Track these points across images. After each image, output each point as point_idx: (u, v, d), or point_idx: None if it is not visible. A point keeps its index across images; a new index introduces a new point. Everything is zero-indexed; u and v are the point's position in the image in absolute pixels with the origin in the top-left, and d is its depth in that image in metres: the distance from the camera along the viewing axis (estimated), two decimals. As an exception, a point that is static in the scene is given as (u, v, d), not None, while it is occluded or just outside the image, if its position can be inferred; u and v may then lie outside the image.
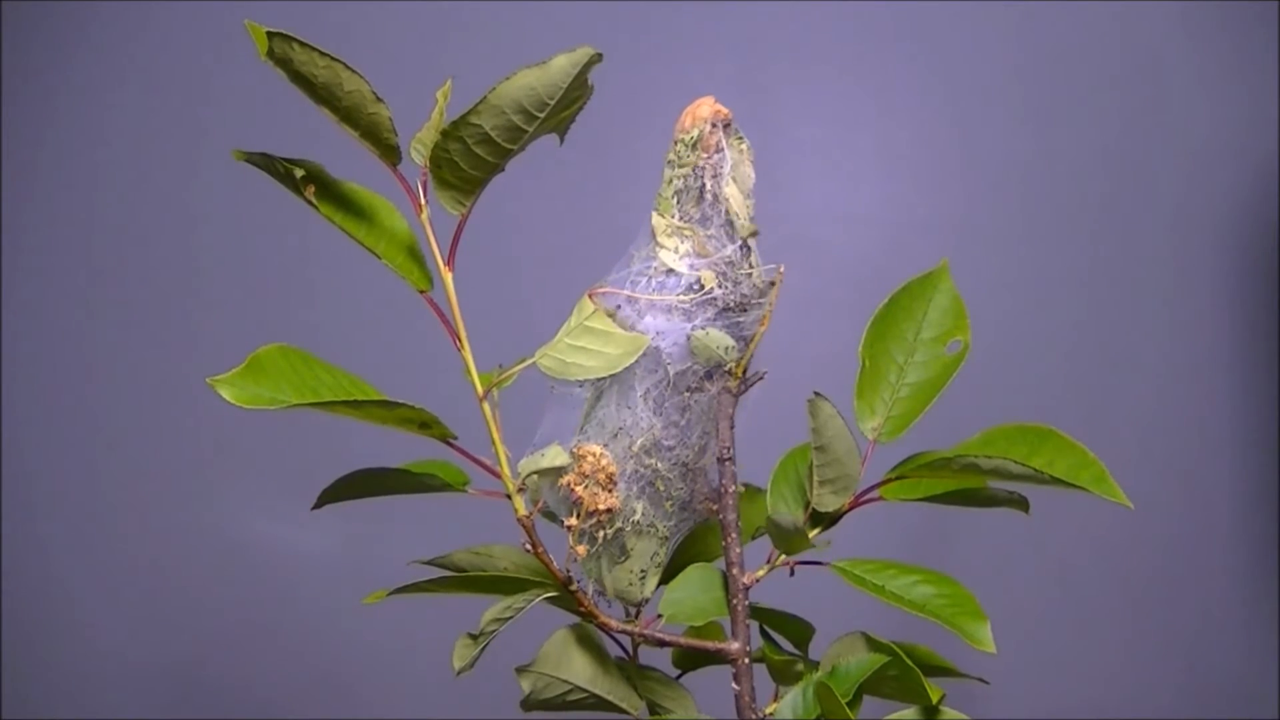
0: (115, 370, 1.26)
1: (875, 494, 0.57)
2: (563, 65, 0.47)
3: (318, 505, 0.61)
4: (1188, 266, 1.23)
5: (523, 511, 0.53)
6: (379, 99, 0.48)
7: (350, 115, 0.48)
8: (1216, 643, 1.24)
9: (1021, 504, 0.60)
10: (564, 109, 0.49)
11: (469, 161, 0.49)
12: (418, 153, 0.50)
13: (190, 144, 1.25)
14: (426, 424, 0.51)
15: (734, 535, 0.57)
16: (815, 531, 0.58)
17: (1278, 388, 1.22)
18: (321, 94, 0.48)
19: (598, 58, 0.47)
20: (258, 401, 0.46)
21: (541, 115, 0.48)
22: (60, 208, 1.27)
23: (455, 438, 0.53)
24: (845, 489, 0.56)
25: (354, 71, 0.47)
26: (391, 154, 0.50)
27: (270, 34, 0.45)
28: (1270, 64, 1.22)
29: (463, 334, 0.52)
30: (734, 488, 0.56)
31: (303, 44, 0.46)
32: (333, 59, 0.46)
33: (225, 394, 0.46)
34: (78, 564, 1.25)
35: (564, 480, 0.53)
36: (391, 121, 0.49)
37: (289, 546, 1.23)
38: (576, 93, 0.48)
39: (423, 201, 0.51)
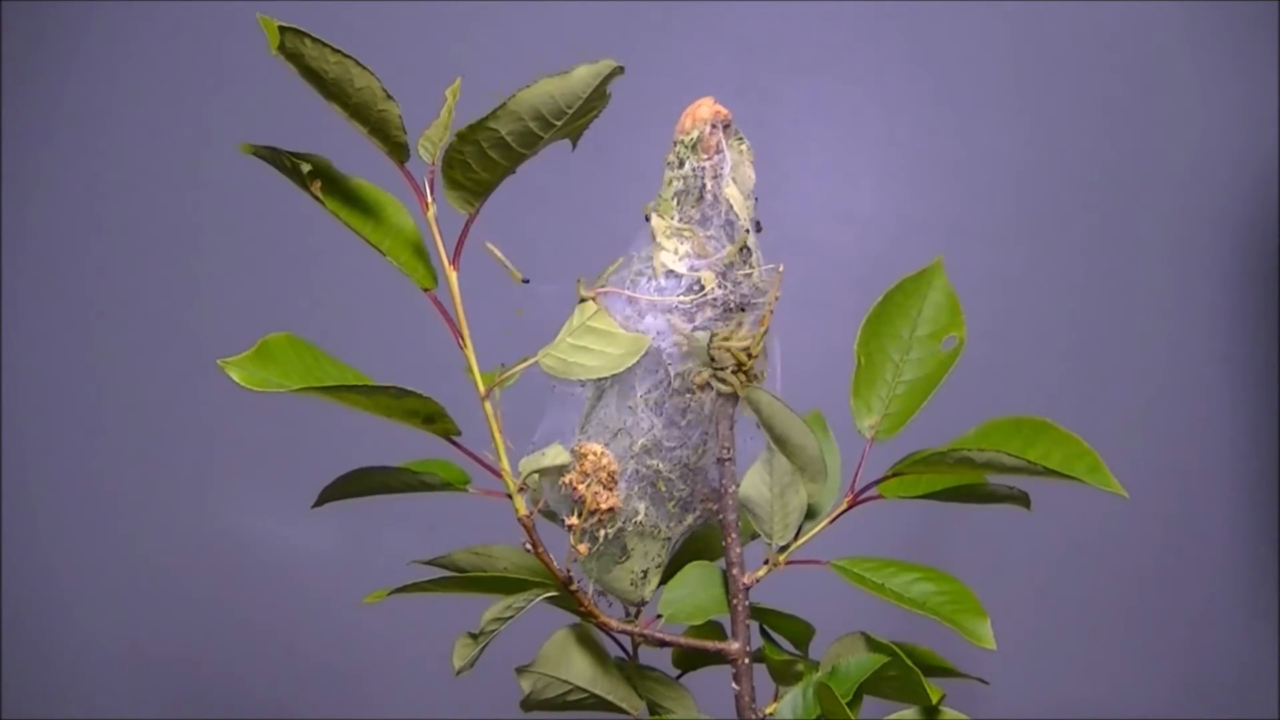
0: (115, 368, 1.26)
1: (874, 492, 0.57)
2: (584, 76, 0.47)
3: (318, 503, 0.61)
4: (1188, 266, 1.23)
5: (523, 511, 0.53)
6: (389, 96, 0.48)
7: (359, 112, 0.48)
8: (1216, 643, 1.24)
9: (1022, 500, 0.60)
10: (580, 117, 0.49)
11: (481, 164, 0.49)
12: (425, 150, 0.50)
13: (192, 141, 1.25)
14: (431, 417, 0.51)
15: (734, 535, 0.57)
16: (817, 529, 0.58)
17: (1278, 387, 1.22)
18: (331, 90, 0.48)
19: (619, 70, 0.47)
20: (266, 385, 0.46)
21: (558, 123, 0.48)
22: (61, 204, 1.26)
23: (459, 433, 0.52)
24: (819, 473, 0.56)
25: (364, 68, 0.47)
26: (400, 151, 0.50)
27: (282, 29, 0.45)
28: (1270, 64, 1.22)
29: (466, 332, 0.52)
30: (734, 488, 0.56)
31: (314, 39, 0.46)
32: (344, 55, 0.47)
33: (234, 375, 0.46)
34: (77, 562, 1.25)
35: (565, 479, 0.53)
36: (401, 119, 0.49)
37: (289, 545, 1.23)
38: (595, 103, 0.49)
39: (429, 199, 0.51)
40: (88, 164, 1.26)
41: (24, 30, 1.25)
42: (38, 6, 1.25)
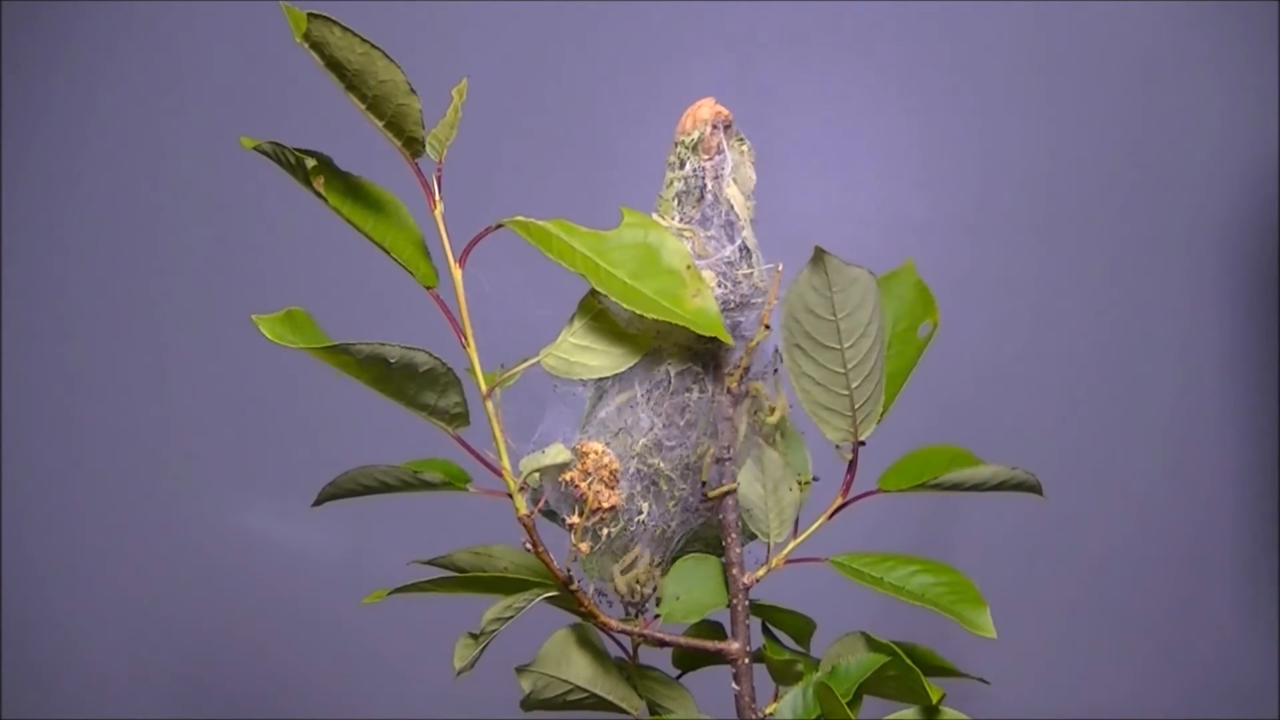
0: (115, 369, 1.26)
1: (870, 485, 0.57)
2: None
3: (318, 502, 0.61)
4: (1188, 267, 1.23)
5: (523, 510, 0.53)
6: (412, 90, 0.48)
7: (377, 104, 0.48)
8: (1216, 643, 1.24)
9: (1031, 485, 0.59)
10: None
11: None
12: (433, 149, 0.50)
13: (193, 141, 1.25)
14: (443, 399, 0.50)
15: (734, 535, 0.57)
16: (815, 525, 0.58)
17: (1278, 387, 1.22)
18: (352, 81, 0.47)
19: None
20: (292, 343, 0.47)
21: None
22: (60, 205, 1.26)
23: (468, 424, 0.52)
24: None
25: (390, 60, 0.47)
26: (415, 145, 0.50)
27: (310, 16, 0.45)
28: (1270, 64, 1.22)
29: (469, 331, 0.52)
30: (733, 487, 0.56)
31: (343, 28, 0.46)
32: (371, 46, 0.46)
33: (264, 330, 0.47)
34: (77, 563, 1.25)
35: (566, 476, 0.53)
36: (421, 114, 0.49)
37: (289, 546, 1.23)
38: None
39: (437, 197, 0.51)
40: (88, 165, 1.26)
41: (24, 29, 1.25)
42: (38, 6, 1.25)
